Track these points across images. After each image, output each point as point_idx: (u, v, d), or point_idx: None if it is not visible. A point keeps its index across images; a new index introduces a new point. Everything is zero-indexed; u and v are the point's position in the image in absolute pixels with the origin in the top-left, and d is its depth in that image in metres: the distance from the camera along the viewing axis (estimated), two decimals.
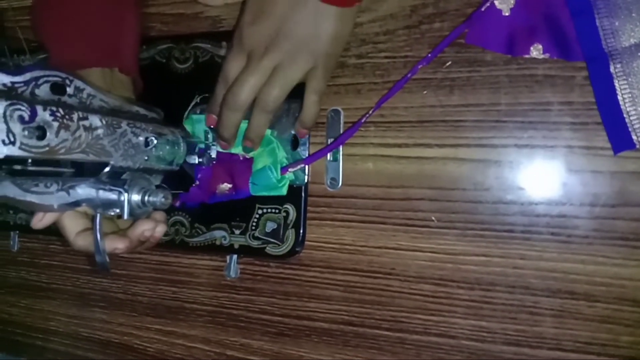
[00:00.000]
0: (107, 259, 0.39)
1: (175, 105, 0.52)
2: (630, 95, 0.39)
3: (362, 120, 0.45)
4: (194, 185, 0.50)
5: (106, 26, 0.48)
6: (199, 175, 0.50)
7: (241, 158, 0.49)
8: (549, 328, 0.41)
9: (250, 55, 0.42)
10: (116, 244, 0.41)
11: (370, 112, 0.44)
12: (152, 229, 0.42)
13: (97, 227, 0.38)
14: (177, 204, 0.51)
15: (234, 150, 0.48)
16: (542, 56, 0.41)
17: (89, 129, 0.36)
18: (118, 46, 0.49)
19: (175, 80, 0.53)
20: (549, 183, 0.41)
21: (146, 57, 0.54)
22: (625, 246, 0.39)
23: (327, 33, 0.40)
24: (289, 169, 0.47)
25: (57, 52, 0.48)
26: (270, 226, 0.49)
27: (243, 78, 0.42)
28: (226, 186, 0.49)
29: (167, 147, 0.43)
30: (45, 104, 0.33)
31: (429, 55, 0.43)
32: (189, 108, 0.51)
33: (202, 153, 0.49)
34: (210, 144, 0.50)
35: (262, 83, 0.42)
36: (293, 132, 0.47)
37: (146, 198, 0.38)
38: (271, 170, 0.47)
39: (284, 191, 0.47)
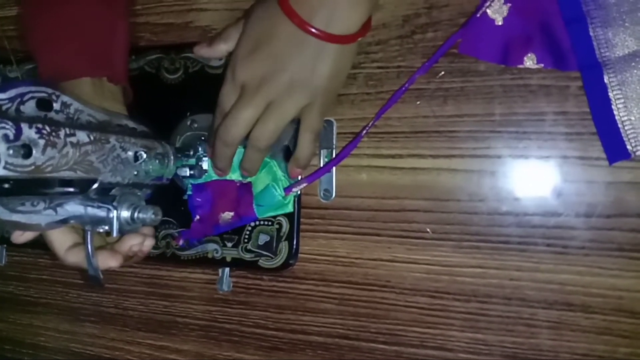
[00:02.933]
0: (101, 275, 0.38)
1: (166, 117, 0.51)
2: (624, 106, 0.39)
3: (363, 133, 0.44)
4: (194, 220, 0.49)
5: (97, 35, 0.47)
6: (199, 210, 0.49)
7: (238, 184, 0.48)
8: (546, 340, 0.40)
9: (244, 89, 0.40)
10: (109, 262, 0.40)
11: (370, 123, 0.44)
12: (140, 243, 0.41)
13: (89, 243, 0.38)
14: (181, 242, 0.50)
15: (230, 177, 0.47)
16: (535, 66, 0.40)
17: (77, 145, 0.35)
18: (109, 55, 0.47)
19: (165, 91, 0.52)
20: (545, 194, 0.40)
21: (135, 67, 0.54)
22: (622, 257, 0.39)
23: (325, 69, 0.38)
24: (292, 189, 0.46)
25: (46, 62, 0.46)
26: (263, 239, 0.48)
27: (236, 113, 0.40)
28: (228, 215, 0.48)
29: (157, 161, 0.42)
30: (31, 121, 0.32)
31: (426, 63, 0.42)
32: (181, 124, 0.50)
33: (194, 165, 0.49)
34: (202, 156, 0.49)
35: (255, 118, 0.40)
36: (285, 142, 0.46)
37: (136, 214, 0.37)
38: (275, 189, 0.46)
39: (290, 207, 0.47)
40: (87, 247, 0.38)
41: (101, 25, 0.47)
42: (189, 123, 0.50)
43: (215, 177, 0.48)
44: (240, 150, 0.44)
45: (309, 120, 0.41)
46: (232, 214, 0.48)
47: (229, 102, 0.41)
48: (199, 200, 0.49)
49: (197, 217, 0.49)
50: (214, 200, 0.49)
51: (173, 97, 0.52)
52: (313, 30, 0.36)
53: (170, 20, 0.53)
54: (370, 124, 0.44)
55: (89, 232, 0.37)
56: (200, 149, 0.49)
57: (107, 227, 0.38)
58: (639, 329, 0.38)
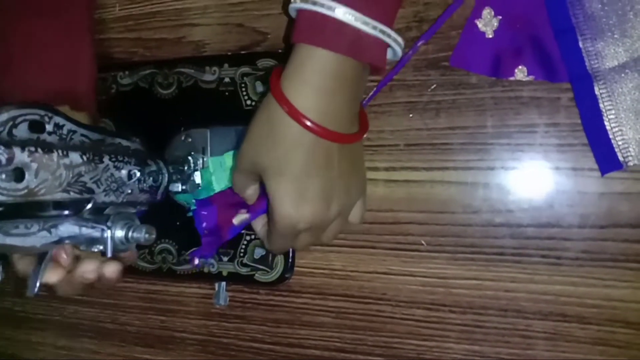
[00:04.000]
0: (36, 291, 0.38)
1: (160, 132, 0.51)
2: (615, 116, 0.39)
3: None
4: (203, 235, 0.48)
5: (59, 62, 0.45)
6: (203, 224, 0.48)
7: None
8: (542, 351, 0.41)
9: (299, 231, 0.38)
10: (50, 277, 0.38)
11: (371, 94, 0.44)
12: (95, 270, 0.39)
13: (47, 261, 0.38)
14: (196, 263, 0.49)
15: (218, 188, 0.47)
16: (526, 78, 0.41)
17: (70, 166, 0.35)
18: (74, 84, 0.45)
19: (159, 107, 0.52)
20: (538, 205, 0.40)
21: (129, 83, 0.54)
22: (616, 267, 0.39)
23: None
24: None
25: (4, 91, 0.44)
26: (258, 252, 0.48)
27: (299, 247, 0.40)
28: (243, 214, 0.46)
29: (151, 179, 0.42)
30: (24, 144, 0.32)
31: (429, 30, 0.42)
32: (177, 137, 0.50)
33: (186, 180, 0.48)
34: (193, 170, 0.49)
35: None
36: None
37: (130, 234, 0.38)
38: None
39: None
40: (43, 263, 0.38)
41: (64, 52, 0.45)
42: (183, 138, 0.50)
43: (215, 188, 0.47)
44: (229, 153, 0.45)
45: (327, 234, 0.39)
46: (245, 210, 0.46)
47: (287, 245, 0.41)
48: (205, 213, 0.48)
49: (205, 231, 0.48)
50: (219, 210, 0.48)
51: (167, 112, 0.52)
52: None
53: (163, 36, 0.53)
54: (371, 94, 0.44)
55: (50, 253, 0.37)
56: (192, 163, 0.49)
57: (101, 247, 0.38)
58: (633, 339, 0.38)
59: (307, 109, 0.34)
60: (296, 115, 0.34)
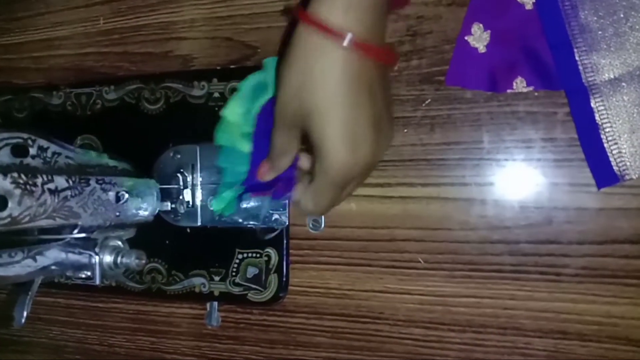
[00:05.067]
0: (25, 323, 0.36)
1: (148, 148, 0.50)
2: (611, 130, 0.39)
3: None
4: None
5: None
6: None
7: None
8: None
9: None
10: None
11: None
12: None
13: (33, 289, 0.36)
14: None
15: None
16: (526, 89, 0.40)
17: (55, 192, 0.33)
18: None
19: (146, 122, 0.51)
20: (535, 221, 0.40)
21: (115, 98, 0.52)
22: (615, 284, 0.38)
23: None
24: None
25: None
26: (251, 271, 0.47)
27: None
28: None
29: (140, 199, 0.41)
30: (6, 170, 0.31)
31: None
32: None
33: (175, 199, 0.47)
34: (182, 188, 0.47)
35: None
36: None
37: (119, 259, 0.36)
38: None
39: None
40: (29, 292, 0.36)
41: None
42: (171, 154, 0.49)
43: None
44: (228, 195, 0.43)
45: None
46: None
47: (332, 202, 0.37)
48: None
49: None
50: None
51: (154, 127, 0.50)
52: None
53: (149, 50, 0.52)
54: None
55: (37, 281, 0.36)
56: (181, 180, 0.47)
57: (89, 273, 0.36)
58: (635, 356, 0.38)
59: (347, 28, 0.30)
60: (336, 34, 0.30)
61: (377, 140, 0.33)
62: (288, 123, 0.34)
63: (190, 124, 0.49)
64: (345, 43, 0.30)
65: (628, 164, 0.38)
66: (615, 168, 0.39)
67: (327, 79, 0.31)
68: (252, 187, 0.41)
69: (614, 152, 0.39)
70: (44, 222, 0.33)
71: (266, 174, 0.39)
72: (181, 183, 0.48)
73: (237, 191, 0.42)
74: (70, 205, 0.35)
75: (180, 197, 0.48)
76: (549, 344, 0.40)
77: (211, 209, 0.45)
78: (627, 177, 0.38)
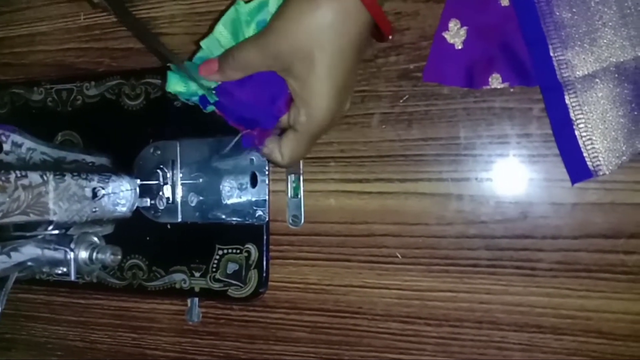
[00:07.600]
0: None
1: (128, 144, 0.49)
2: (585, 126, 0.39)
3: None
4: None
5: None
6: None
7: None
8: None
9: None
10: None
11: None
12: None
13: (7, 285, 0.36)
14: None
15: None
16: (502, 85, 0.40)
17: (29, 187, 0.33)
18: None
19: (126, 118, 0.51)
20: (511, 216, 0.40)
21: (96, 94, 0.52)
22: (589, 278, 0.39)
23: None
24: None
25: None
26: (231, 267, 0.47)
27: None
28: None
29: (118, 194, 0.41)
30: None
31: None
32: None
33: (155, 195, 0.47)
34: (162, 184, 0.47)
35: None
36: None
37: (94, 255, 0.36)
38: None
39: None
40: (4, 289, 0.36)
41: None
42: (151, 150, 0.49)
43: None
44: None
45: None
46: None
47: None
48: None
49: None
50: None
51: (134, 123, 0.50)
52: None
53: (129, 45, 0.51)
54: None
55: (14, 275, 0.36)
56: (161, 176, 0.47)
57: (65, 269, 0.36)
58: (607, 349, 0.38)
59: None
60: None
61: (349, 95, 0.34)
62: (270, 53, 0.34)
63: (171, 120, 0.49)
64: None
65: (602, 159, 0.39)
66: (589, 163, 0.39)
67: (324, 23, 0.31)
68: (224, 106, 0.39)
69: (588, 147, 0.39)
70: (17, 218, 0.33)
71: (209, 73, 0.37)
72: (161, 179, 0.48)
73: (206, 92, 0.39)
74: (44, 201, 0.35)
75: (160, 193, 0.48)
76: (524, 337, 0.40)
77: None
78: (600, 172, 0.39)
